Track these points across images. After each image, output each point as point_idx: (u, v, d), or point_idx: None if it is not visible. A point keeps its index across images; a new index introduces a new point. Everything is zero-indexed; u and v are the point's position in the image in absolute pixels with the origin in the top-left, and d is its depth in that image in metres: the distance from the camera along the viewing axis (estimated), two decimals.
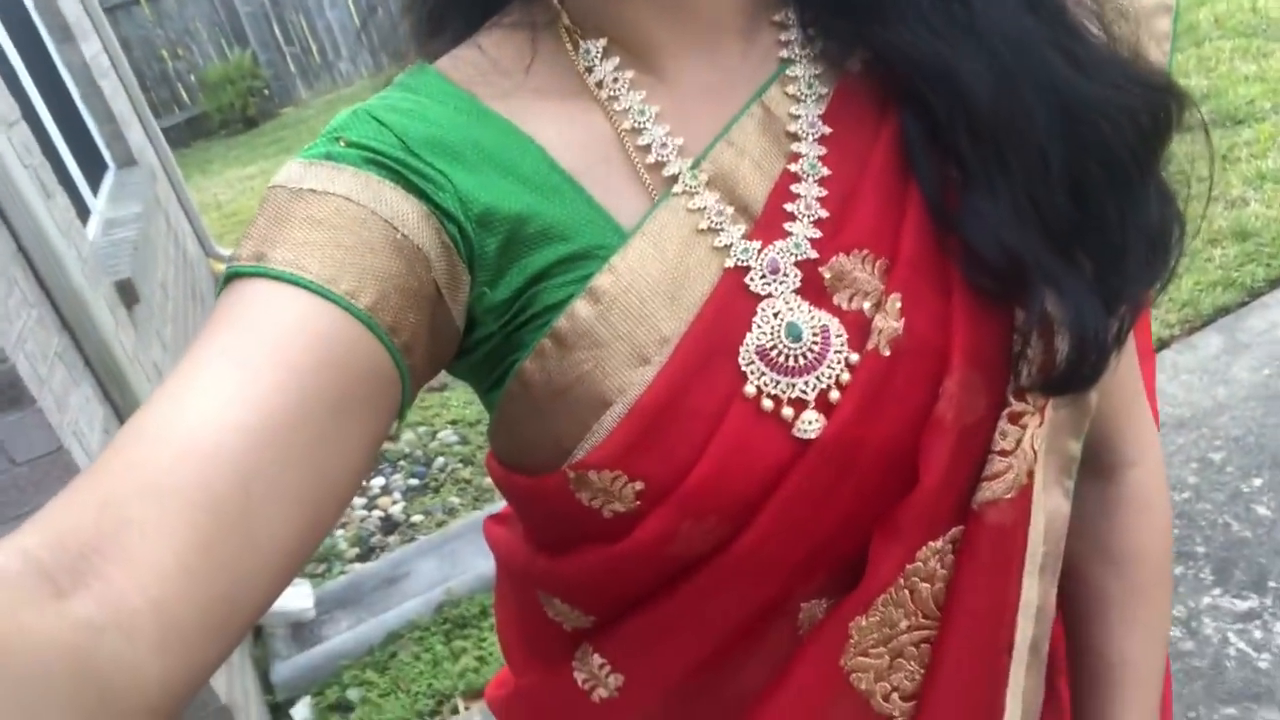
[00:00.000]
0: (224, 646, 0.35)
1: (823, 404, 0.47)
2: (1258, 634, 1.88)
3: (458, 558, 2.52)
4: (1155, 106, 0.49)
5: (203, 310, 4.09)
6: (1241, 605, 1.94)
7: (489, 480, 0.45)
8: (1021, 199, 0.47)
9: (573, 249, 0.48)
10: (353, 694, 2.20)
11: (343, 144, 0.47)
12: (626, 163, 0.50)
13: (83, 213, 2.94)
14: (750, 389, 0.47)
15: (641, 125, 0.50)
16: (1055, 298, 0.47)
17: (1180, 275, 0.54)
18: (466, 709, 2.14)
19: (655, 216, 0.49)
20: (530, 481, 0.51)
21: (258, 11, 9.51)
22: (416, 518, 2.84)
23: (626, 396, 0.47)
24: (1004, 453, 0.49)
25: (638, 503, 0.48)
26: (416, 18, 0.57)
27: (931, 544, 0.50)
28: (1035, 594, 0.53)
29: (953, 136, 0.48)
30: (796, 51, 0.52)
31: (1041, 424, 0.50)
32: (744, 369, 0.47)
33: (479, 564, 2.44)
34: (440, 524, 2.77)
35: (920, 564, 0.50)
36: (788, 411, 0.47)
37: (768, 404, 0.47)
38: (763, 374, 0.47)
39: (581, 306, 0.47)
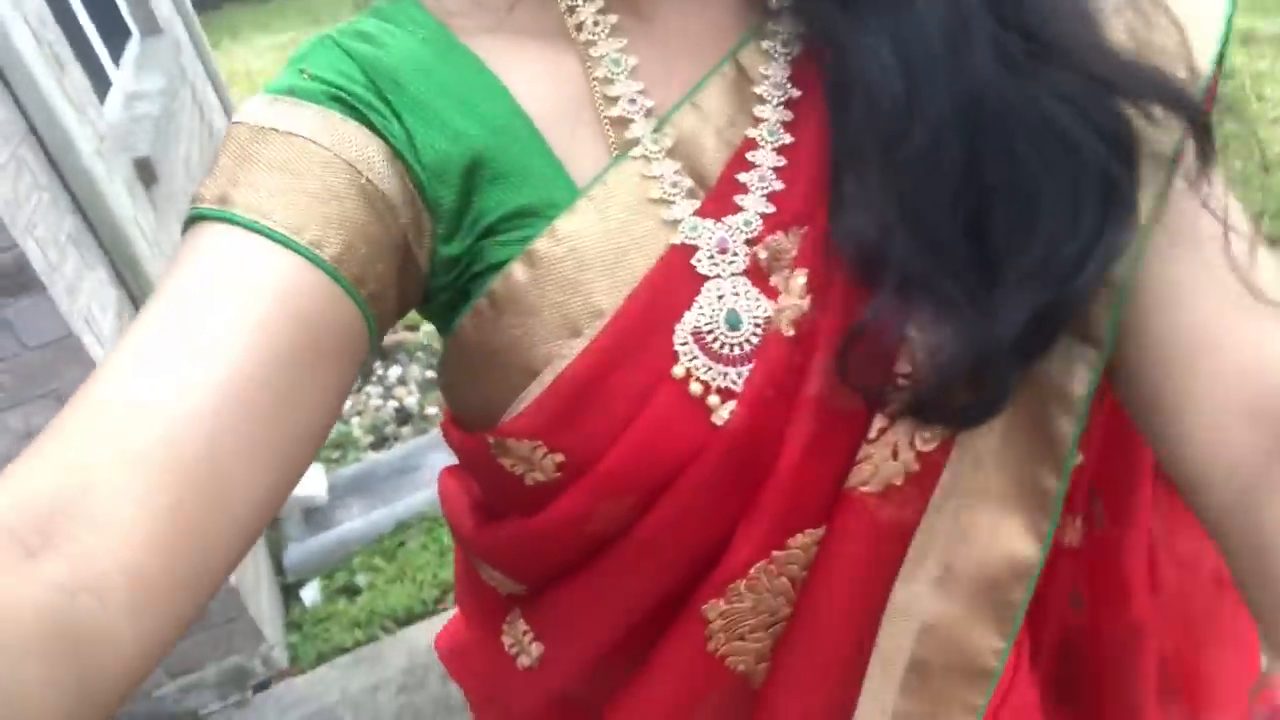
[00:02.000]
0: (196, 603, 0.35)
1: (745, 391, 0.45)
2: None
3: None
4: (1113, 121, 0.42)
5: None
6: None
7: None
8: (899, 193, 0.43)
9: (523, 203, 0.46)
10: (361, 579, 2.27)
11: (306, 76, 0.45)
12: (594, 117, 0.48)
13: (103, 86, 2.88)
14: (679, 370, 0.45)
15: (614, 76, 0.47)
16: (924, 310, 0.43)
17: None
18: None
19: (605, 180, 0.46)
20: (461, 437, 0.51)
21: None
22: (431, 410, 2.87)
23: (554, 367, 0.45)
24: (869, 440, 0.46)
25: (558, 474, 0.47)
26: None
27: (811, 530, 0.47)
28: (905, 598, 0.48)
29: (844, 108, 0.45)
30: (784, 2, 0.49)
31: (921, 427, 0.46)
32: (677, 348, 0.45)
33: None
34: None
35: (798, 550, 0.47)
36: (713, 399, 0.45)
37: (696, 388, 0.45)
38: (695, 356, 0.45)
39: (518, 270, 0.45)
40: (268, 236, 0.40)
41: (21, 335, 1.53)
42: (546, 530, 0.49)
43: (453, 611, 0.65)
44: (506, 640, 0.57)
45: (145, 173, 2.49)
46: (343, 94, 0.44)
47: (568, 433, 0.46)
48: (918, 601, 0.47)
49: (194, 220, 0.42)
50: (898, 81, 0.43)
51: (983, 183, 0.43)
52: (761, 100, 0.48)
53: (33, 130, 1.71)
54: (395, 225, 0.44)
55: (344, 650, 2.11)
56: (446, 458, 0.56)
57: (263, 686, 2.03)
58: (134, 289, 1.99)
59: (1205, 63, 0.44)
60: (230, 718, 1.97)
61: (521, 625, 0.56)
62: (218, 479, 0.36)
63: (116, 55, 3.34)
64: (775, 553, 0.47)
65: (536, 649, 0.55)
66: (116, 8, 3.68)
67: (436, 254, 0.47)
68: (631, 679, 0.53)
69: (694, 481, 0.46)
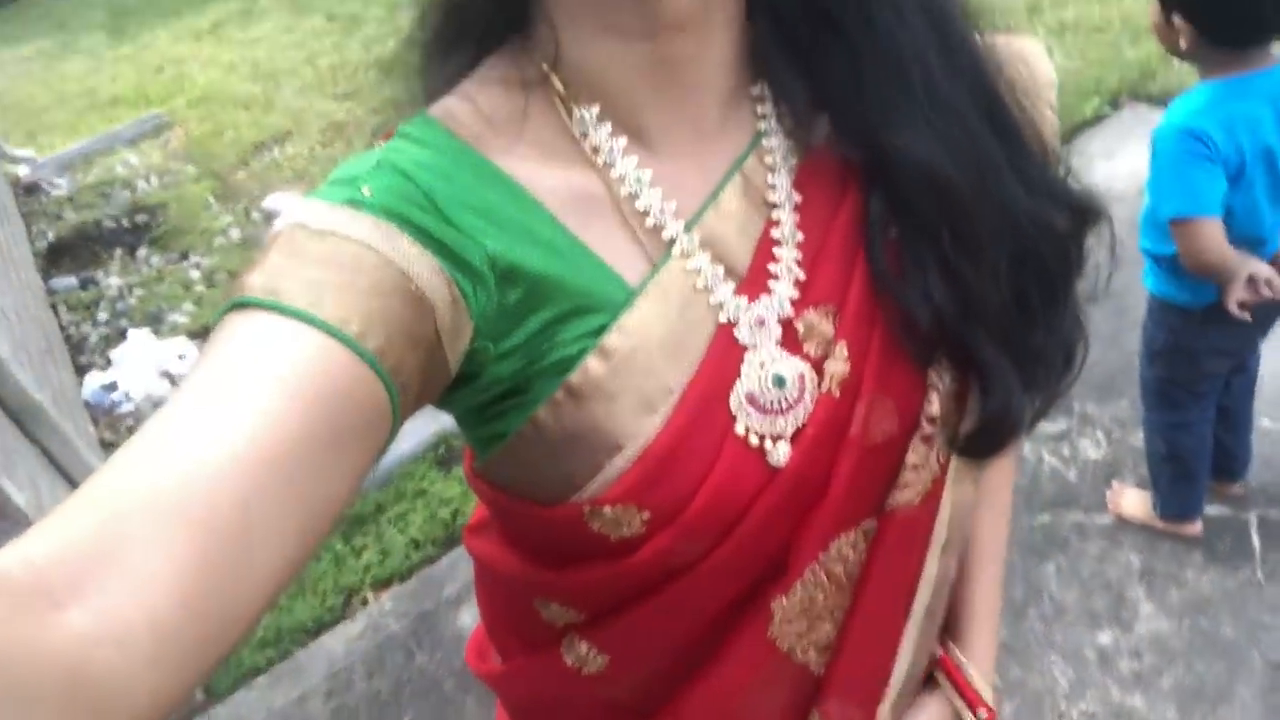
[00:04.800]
0: (213, 660, 0.37)
1: (794, 437, 0.55)
2: (1065, 451, 2.21)
3: None
4: (1080, 231, 0.59)
5: (9, 226, 3.77)
6: (1053, 428, 2.26)
7: None
8: (966, 287, 0.54)
9: (582, 302, 0.52)
10: None
11: (366, 192, 0.48)
12: (624, 223, 0.54)
13: None
14: (740, 428, 0.54)
15: (637, 190, 0.54)
16: (977, 370, 0.56)
17: None
18: (377, 598, 2.25)
19: (658, 278, 0.53)
20: (540, 510, 0.56)
21: None
22: None
23: (637, 442, 0.52)
24: (915, 468, 0.58)
25: (644, 529, 0.54)
26: (430, 38, 0.59)
27: (845, 535, 0.58)
28: (935, 570, 0.63)
29: (912, 216, 0.55)
30: (771, 125, 0.57)
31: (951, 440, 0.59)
32: (734, 411, 0.54)
33: None
34: None
35: (834, 552, 0.58)
36: (769, 445, 0.54)
37: (754, 440, 0.54)
38: (750, 415, 0.54)
39: (594, 363, 0.52)
40: (316, 325, 0.43)
41: None
42: (628, 572, 0.55)
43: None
44: (568, 659, 0.63)
45: None
46: (398, 209, 0.48)
47: (654, 494, 0.53)
48: (936, 566, 0.63)
49: (238, 306, 0.44)
50: (965, 192, 0.54)
51: (1020, 270, 0.56)
52: (774, 205, 0.56)
53: None
54: (431, 325, 0.47)
55: (259, 671, 2.12)
56: None
57: None
58: None
59: (1053, 118, 0.63)
60: None
61: (583, 645, 0.62)
62: (246, 539, 0.37)
63: None
64: (822, 555, 0.58)
65: (601, 659, 0.62)
66: None
67: (484, 353, 0.51)
68: (695, 675, 0.61)
69: (759, 515, 0.54)
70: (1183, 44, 1.52)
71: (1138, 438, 2.09)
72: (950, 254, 0.54)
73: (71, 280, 3.75)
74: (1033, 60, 0.62)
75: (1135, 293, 1.75)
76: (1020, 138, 0.57)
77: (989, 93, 0.56)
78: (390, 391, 0.45)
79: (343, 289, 0.44)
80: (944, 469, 0.59)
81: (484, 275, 0.50)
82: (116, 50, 6.64)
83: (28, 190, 4.50)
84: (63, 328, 3.46)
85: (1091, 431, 2.25)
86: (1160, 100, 3.18)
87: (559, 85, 0.54)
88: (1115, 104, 3.30)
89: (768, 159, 0.57)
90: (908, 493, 0.58)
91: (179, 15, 6.97)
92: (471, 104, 0.55)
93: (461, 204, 0.50)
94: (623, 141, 0.55)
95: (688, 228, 0.55)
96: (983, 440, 0.59)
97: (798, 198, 0.56)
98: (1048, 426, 2.26)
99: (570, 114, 0.54)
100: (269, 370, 0.41)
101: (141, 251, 3.96)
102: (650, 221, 0.54)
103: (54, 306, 3.58)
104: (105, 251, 3.98)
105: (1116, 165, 2.96)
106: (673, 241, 0.54)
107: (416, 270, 0.47)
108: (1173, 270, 1.64)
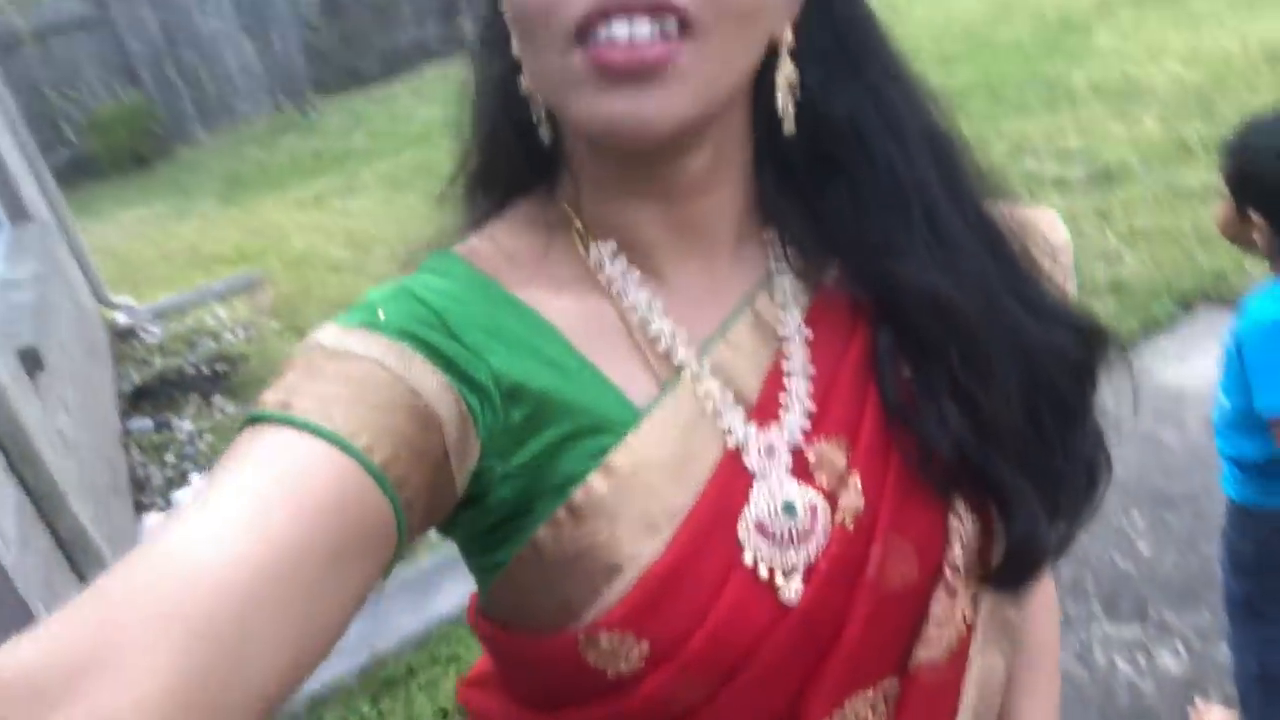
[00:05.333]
0: None
1: (807, 572, 0.53)
2: (1141, 661, 2.04)
3: (383, 618, 2.51)
4: (1090, 355, 0.59)
5: (99, 366, 3.96)
6: (1127, 633, 2.10)
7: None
8: (981, 412, 0.54)
9: (588, 422, 0.52)
10: None
11: (382, 315, 0.50)
12: (635, 349, 0.55)
13: None
14: (749, 558, 0.52)
15: (649, 318, 0.56)
16: (998, 497, 0.55)
17: None
18: None
19: (665, 401, 0.54)
20: (534, 641, 0.55)
21: (152, 50, 9.27)
22: None
23: (637, 564, 0.51)
24: (938, 622, 0.55)
25: (642, 664, 0.52)
26: (470, 178, 0.62)
27: (862, 693, 0.55)
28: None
29: (921, 344, 0.56)
30: (781, 265, 0.59)
31: (975, 596, 0.57)
32: (741, 539, 0.52)
33: (405, 623, 2.43)
34: None
35: (850, 711, 0.55)
36: (780, 580, 0.52)
37: (763, 572, 0.52)
38: (759, 544, 0.52)
39: (597, 481, 0.51)
40: (324, 437, 0.43)
41: None
42: (628, 711, 0.53)
43: None
44: None
45: (30, 361, 2.45)
46: (413, 331, 0.49)
47: (655, 621, 0.51)
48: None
49: (252, 421, 0.45)
50: (974, 322, 0.55)
51: (1033, 394, 0.56)
52: (784, 340, 0.57)
53: None
54: (439, 441, 0.48)
55: None
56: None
57: None
58: (31, 483, 1.93)
59: (1069, 283, 0.63)
60: None
61: None
62: (242, 653, 0.37)
63: None
64: (836, 712, 0.55)
65: None
66: None
67: (489, 473, 0.51)
68: None
69: (767, 657, 0.52)
70: (1257, 238, 1.50)
71: (1222, 652, 1.92)
72: (961, 379, 0.55)
73: (148, 422, 3.89)
74: (1046, 226, 0.64)
75: (1214, 496, 1.66)
76: (1023, 266, 0.59)
77: (990, 222, 0.59)
78: (395, 507, 0.45)
79: (353, 403, 0.45)
80: (970, 626, 0.56)
81: (490, 392, 0.51)
82: (225, 214, 7.15)
83: (123, 335, 4.75)
84: (131, 468, 3.56)
85: (1170, 641, 2.08)
86: (1232, 303, 3.14)
87: (579, 224, 0.57)
88: (1187, 307, 3.28)
89: (778, 297, 0.58)
90: (932, 650, 0.55)
91: (286, 186, 7.50)
92: (493, 242, 0.58)
93: (471, 324, 0.52)
94: (636, 274, 0.57)
95: (698, 355, 0.55)
96: (1011, 570, 0.57)
97: (809, 333, 0.58)
98: (1121, 631, 2.11)
99: (588, 249, 0.57)
100: (275, 481, 0.42)
101: (217, 399, 4.10)
102: (661, 347, 0.55)
103: (126, 446, 3.69)
104: (183, 396, 4.13)
105: (1189, 368, 2.89)
106: (682, 367, 0.55)
107: (426, 387, 0.47)
108: (1260, 475, 1.55)
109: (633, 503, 0.52)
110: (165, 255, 6.32)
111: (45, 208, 4.30)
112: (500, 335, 0.52)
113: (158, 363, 4.45)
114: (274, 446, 0.43)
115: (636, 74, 0.46)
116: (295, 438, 0.44)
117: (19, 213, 3.88)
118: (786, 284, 0.59)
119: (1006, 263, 0.58)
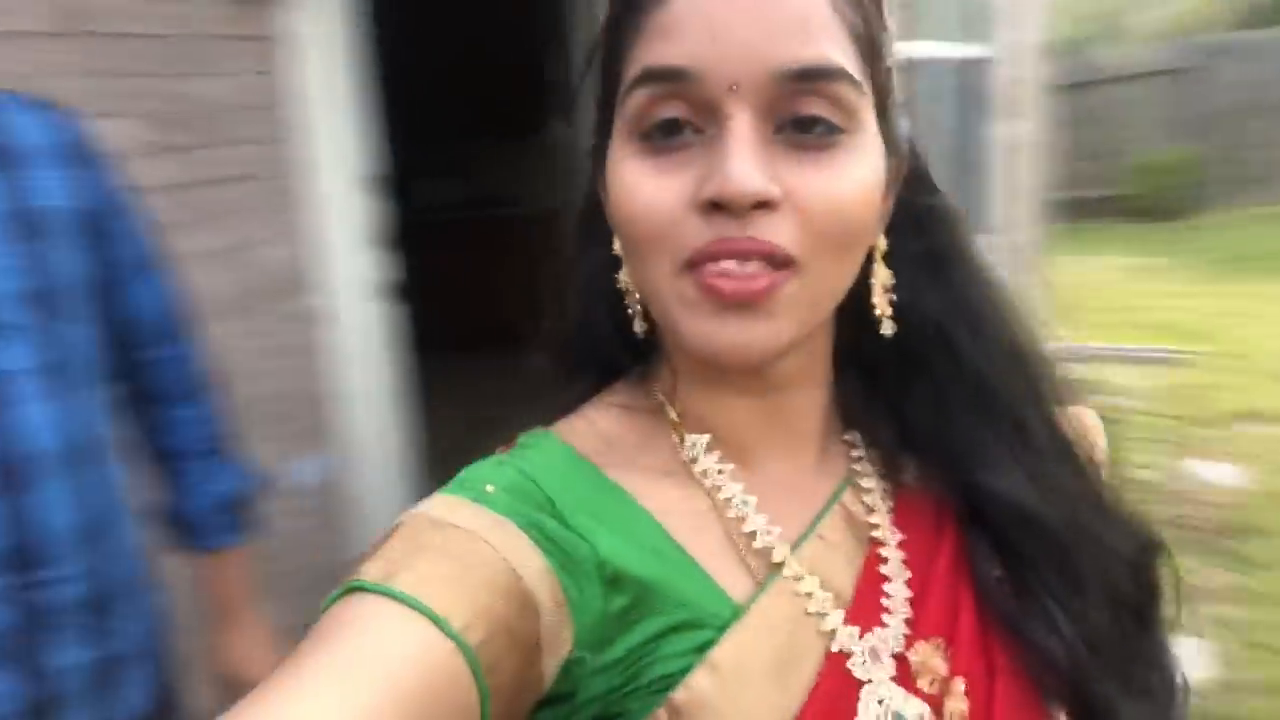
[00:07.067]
0: None
1: None
2: None
3: None
4: (1151, 564, 0.58)
5: None
6: None
7: None
8: (1079, 616, 0.54)
9: (688, 616, 0.51)
10: None
11: (490, 490, 0.50)
12: (730, 542, 0.55)
13: None
14: None
15: (744, 513, 0.55)
16: (1097, 713, 0.53)
17: None
18: None
19: (765, 598, 0.53)
20: None
21: (1222, 106, 9.07)
22: None
23: None
24: None
25: None
26: (558, 364, 0.64)
27: None
28: None
29: (1014, 553, 0.55)
30: (865, 468, 0.60)
31: None
32: None
33: None
34: None
35: None
36: None
37: None
38: None
39: (701, 678, 0.50)
40: (422, 613, 0.43)
41: None
42: None
43: None
44: None
45: None
46: (518, 507, 0.50)
47: None
48: None
49: (351, 590, 0.45)
50: (1063, 533, 0.54)
51: (1115, 607, 0.55)
52: (880, 542, 0.56)
53: None
54: (534, 627, 0.46)
55: None
56: None
57: None
58: None
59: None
60: None
61: None
62: None
63: None
64: None
65: None
66: None
67: (580, 667, 0.50)
68: None
69: None
70: None
71: None
72: (1057, 589, 0.55)
73: None
74: (1093, 426, 0.64)
75: None
76: (1092, 473, 0.59)
77: (1063, 429, 0.59)
78: (482, 692, 0.44)
79: (453, 581, 0.45)
80: None
81: (593, 578, 0.50)
82: (1199, 286, 6.81)
83: None
84: None
85: None
86: None
87: (673, 414, 0.58)
88: None
89: (866, 498, 0.58)
90: None
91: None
92: (591, 425, 0.59)
93: (578, 507, 0.52)
94: (730, 467, 0.57)
95: (794, 550, 0.55)
96: None
97: (900, 535, 0.57)
98: None
99: (682, 440, 0.58)
100: (369, 656, 0.42)
101: None
102: (758, 543, 0.55)
103: None
104: None
105: None
106: (781, 564, 0.54)
107: (527, 569, 0.47)
108: None
109: (739, 703, 0.50)
110: (1110, 305, 6.37)
111: (1024, 229, 4.68)
112: (604, 520, 0.53)
113: None
114: (370, 619, 0.43)
115: (744, 303, 0.47)
116: (392, 611, 0.43)
117: (983, 226, 4.37)
118: (872, 485, 0.58)
119: (1080, 470, 0.58)
